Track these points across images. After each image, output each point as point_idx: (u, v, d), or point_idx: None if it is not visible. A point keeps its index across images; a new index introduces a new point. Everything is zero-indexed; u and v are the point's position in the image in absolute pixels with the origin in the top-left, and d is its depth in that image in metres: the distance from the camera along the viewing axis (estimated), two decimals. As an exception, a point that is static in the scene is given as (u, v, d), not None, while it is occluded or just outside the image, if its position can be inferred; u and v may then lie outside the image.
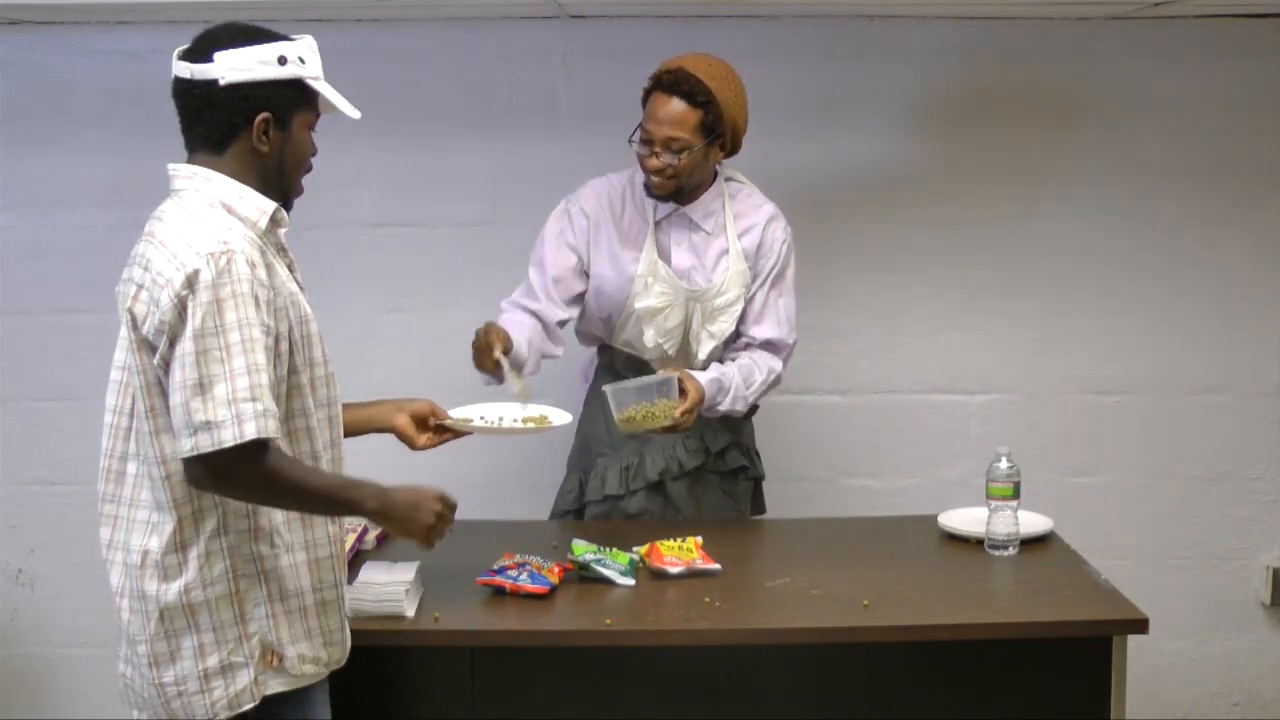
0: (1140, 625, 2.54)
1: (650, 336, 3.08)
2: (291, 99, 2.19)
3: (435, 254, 3.71)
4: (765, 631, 2.56)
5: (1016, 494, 2.92)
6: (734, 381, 3.03)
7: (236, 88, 2.14)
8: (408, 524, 2.28)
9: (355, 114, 2.27)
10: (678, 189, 3.02)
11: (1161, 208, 3.72)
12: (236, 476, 2.09)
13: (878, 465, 3.80)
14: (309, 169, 2.29)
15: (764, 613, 2.64)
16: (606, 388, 2.92)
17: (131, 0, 3.36)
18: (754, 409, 3.27)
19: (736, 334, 3.14)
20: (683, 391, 2.92)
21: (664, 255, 3.08)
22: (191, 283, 2.05)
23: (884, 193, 3.70)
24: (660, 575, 2.76)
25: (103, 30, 3.63)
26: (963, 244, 3.73)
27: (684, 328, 3.09)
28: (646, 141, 2.98)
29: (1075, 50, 3.65)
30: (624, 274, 3.07)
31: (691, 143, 2.95)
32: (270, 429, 2.08)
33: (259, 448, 2.07)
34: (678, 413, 2.90)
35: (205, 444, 2.04)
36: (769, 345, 3.13)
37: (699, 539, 2.86)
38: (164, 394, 2.11)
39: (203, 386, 2.04)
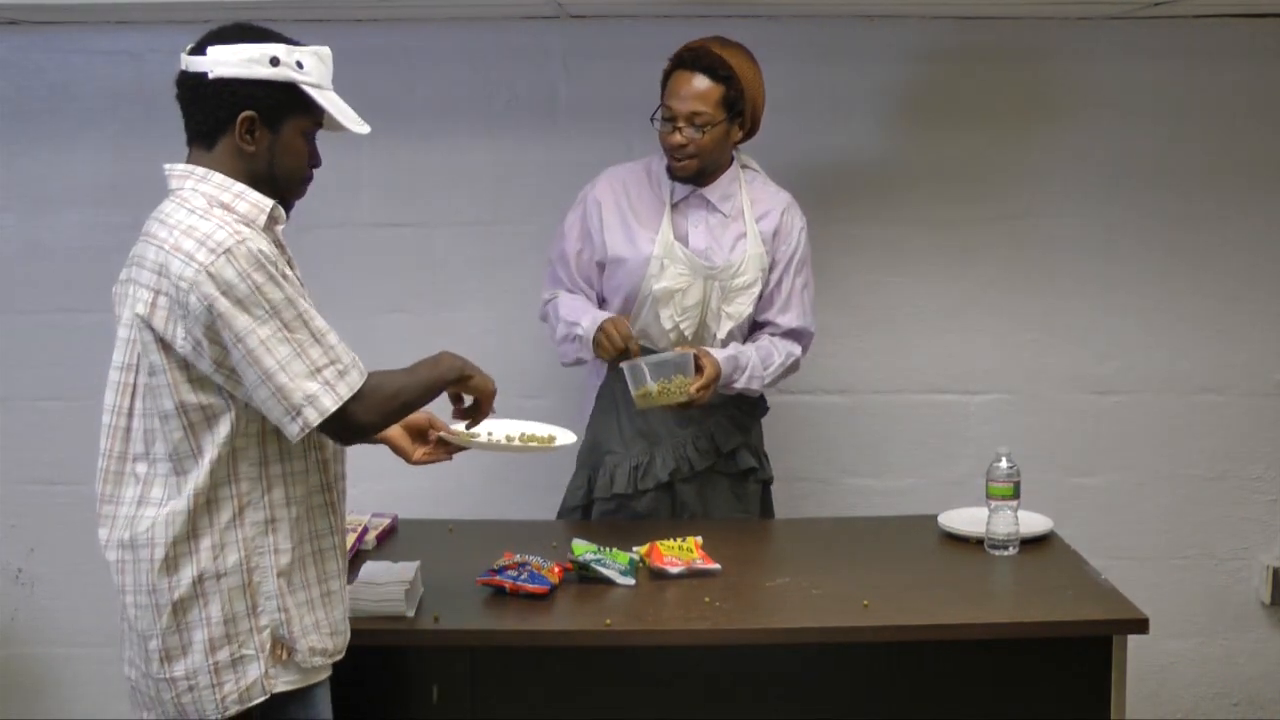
0: (1140, 625, 2.54)
1: (668, 316, 3.08)
2: (282, 101, 2.19)
3: (435, 254, 3.71)
4: (765, 631, 2.56)
5: (1016, 494, 2.92)
6: (751, 360, 3.06)
7: (224, 83, 2.15)
8: (485, 378, 2.43)
9: (364, 129, 2.27)
10: (700, 169, 3.04)
11: (1161, 207, 3.71)
12: (355, 425, 2.19)
13: (878, 465, 3.80)
14: (309, 177, 2.28)
15: (764, 613, 2.64)
16: (624, 363, 2.94)
17: (131, 0, 3.36)
18: (765, 410, 3.28)
19: (760, 323, 3.17)
20: (699, 369, 2.94)
21: (680, 237, 3.10)
22: (217, 281, 2.07)
23: (884, 193, 3.70)
24: (660, 575, 2.76)
25: (103, 30, 3.62)
26: (963, 244, 3.73)
27: (702, 307, 3.09)
28: (669, 119, 3.00)
29: (1075, 50, 3.65)
30: (640, 255, 3.08)
31: (714, 117, 2.98)
32: (356, 380, 2.18)
33: (357, 395, 2.16)
34: (694, 388, 2.92)
35: (313, 418, 2.12)
36: (793, 334, 3.16)
37: (699, 539, 2.86)
38: (194, 391, 2.13)
39: (284, 369, 2.10)
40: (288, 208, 2.27)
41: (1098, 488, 3.81)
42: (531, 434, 2.74)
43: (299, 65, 2.18)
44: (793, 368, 3.19)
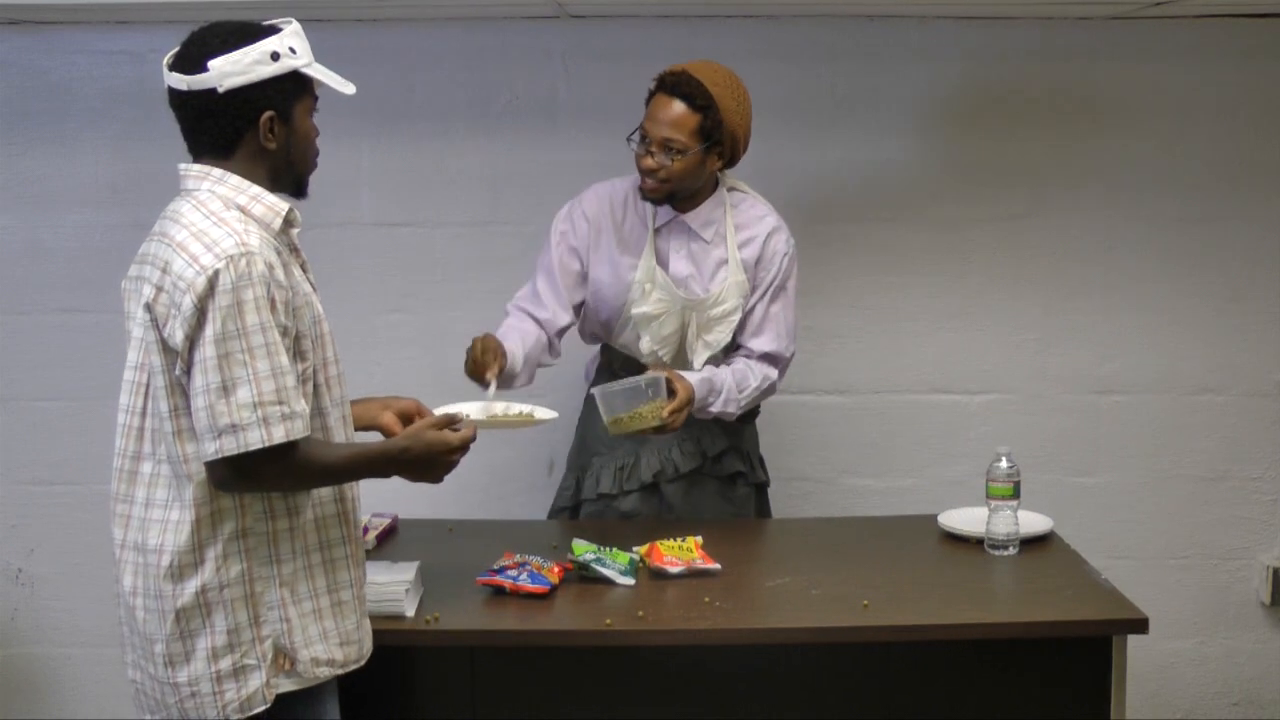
0: (1140, 625, 2.54)
1: (646, 343, 3.08)
2: (290, 92, 2.20)
3: (435, 254, 3.71)
4: (765, 631, 2.56)
5: (1016, 494, 2.92)
6: (726, 384, 3.03)
7: (236, 93, 2.15)
8: (426, 474, 2.33)
9: (350, 89, 2.27)
10: (670, 193, 3.01)
11: (1161, 208, 3.72)
12: (264, 477, 2.13)
13: (878, 465, 3.80)
14: (316, 151, 2.30)
15: (764, 613, 2.64)
16: (594, 390, 2.93)
17: (131, 0, 3.36)
18: (754, 414, 3.27)
19: (735, 345, 3.13)
20: (672, 392, 2.91)
21: (662, 262, 3.08)
22: (213, 286, 2.06)
23: (884, 193, 3.70)
24: (660, 575, 2.76)
25: (103, 30, 3.63)
26: (963, 244, 3.73)
27: (680, 335, 3.09)
28: (644, 140, 2.97)
29: (1075, 50, 3.65)
30: (622, 280, 3.07)
31: (687, 146, 2.93)
32: (298, 430, 2.11)
33: (286, 448, 2.10)
34: (665, 413, 2.88)
35: (230, 447, 2.07)
36: (767, 357, 3.12)
37: (699, 539, 2.86)
38: (186, 395, 2.12)
39: (226, 390, 2.06)
40: (306, 185, 2.28)
41: (1098, 488, 3.81)
42: (512, 412, 2.79)
43: (292, 51, 2.18)
44: (769, 391, 3.14)
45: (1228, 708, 3.90)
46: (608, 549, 2.78)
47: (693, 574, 2.76)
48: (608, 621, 2.52)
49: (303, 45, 2.21)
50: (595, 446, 3.21)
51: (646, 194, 3.01)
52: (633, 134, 3.00)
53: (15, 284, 3.72)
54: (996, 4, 3.49)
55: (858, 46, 3.65)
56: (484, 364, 2.81)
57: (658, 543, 2.83)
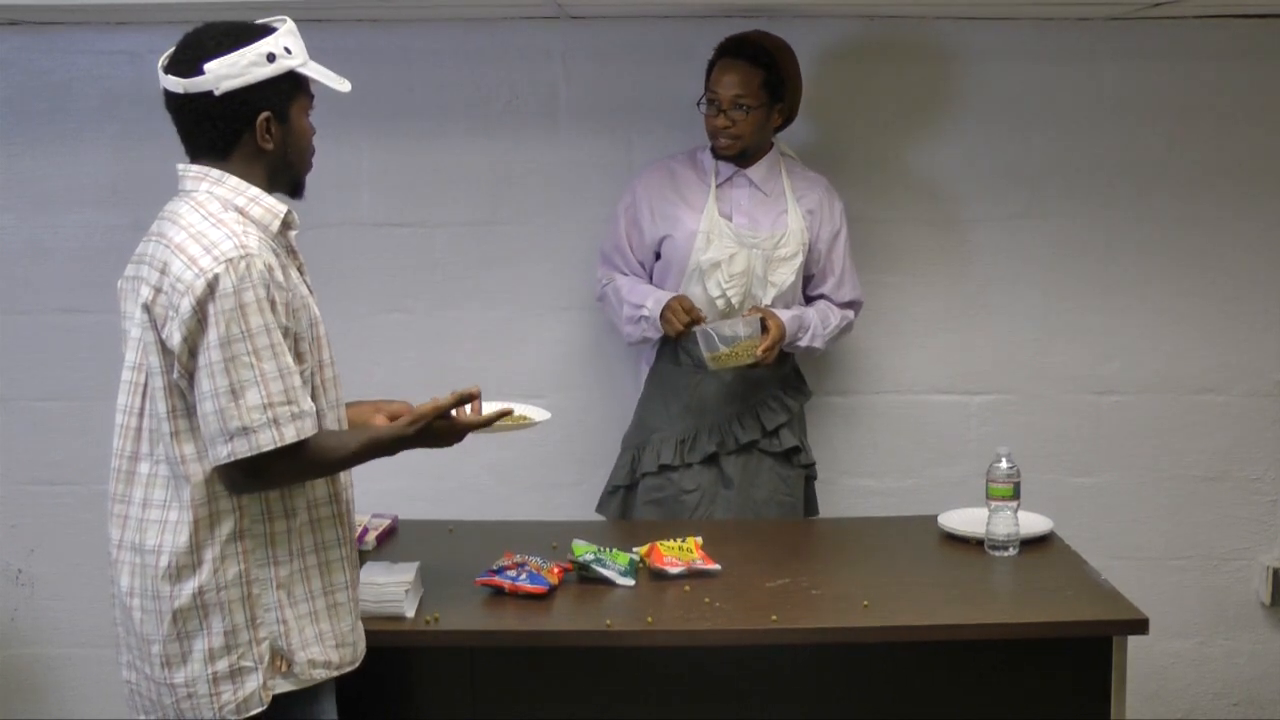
0: (1140, 625, 2.54)
1: (714, 284, 3.23)
2: (287, 92, 2.20)
3: (435, 254, 3.71)
4: (765, 632, 2.55)
5: (1016, 494, 2.92)
6: (813, 321, 3.31)
7: (233, 95, 2.15)
8: (438, 444, 2.34)
9: (345, 86, 2.27)
10: (743, 149, 3.24)
11: (1161, 208, 3.71)
12: (276, 476, 2.15)
13: (878, 465, 3.80)
14: (313, 150, 2.30)
15: (764, 613, 2.64)
16: (697, 328, 3.14)
17: (131, 0, 3.36)
18: (809, 395, 3.44)
19: (818, 296, 3.40)
20: (765, 330, 3.14)
21: (725, 215, 3.27)
22: (213, 289, 2.06)
23: (884, 193, 3.70)
24: (660, 575, 2.76)
25: (103, 30, 3.63)
26: (963, 244, 3.73)
27: (748, 276, 3.24)
28: (713, 102, 3.21)
29: (1075, 50, 3.65)
30: (686, 230, 3.25)
31: (755, 101, 3.19)
32: (307, 429, 2.13)
33: (297, 446, 2.12)
34: (759, 350, 3.12)
35: (242, 449, 2.08)
36: (847, 304, 3.43)
37: (699, 539, 2.86)
38: (184, 397, 2.12)
39: (235, 393, 2.07)
40: (303, 185, 2.28)
41: (1098, 488, 3.80)
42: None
43: (287, 51, 2.18)
44: (847, 329, 3.44)
45: (1228, 708, 3.90)
46: (608, 549, 2.78)
47: (693, 574, 2.76)
48: (607, 622, 2.52)
49: (298, 44, 2.21)
50: (655, 423, 3.33)
51: (720, 152, 3.25)
52: (700, 100, 3.24)
53: (15, 284, 3.72)
54: (996, 4, 3.49)
55: (857, 46, 3.65)
56: (690, 309, 3.16)
57: (658, 543, 2.83)
